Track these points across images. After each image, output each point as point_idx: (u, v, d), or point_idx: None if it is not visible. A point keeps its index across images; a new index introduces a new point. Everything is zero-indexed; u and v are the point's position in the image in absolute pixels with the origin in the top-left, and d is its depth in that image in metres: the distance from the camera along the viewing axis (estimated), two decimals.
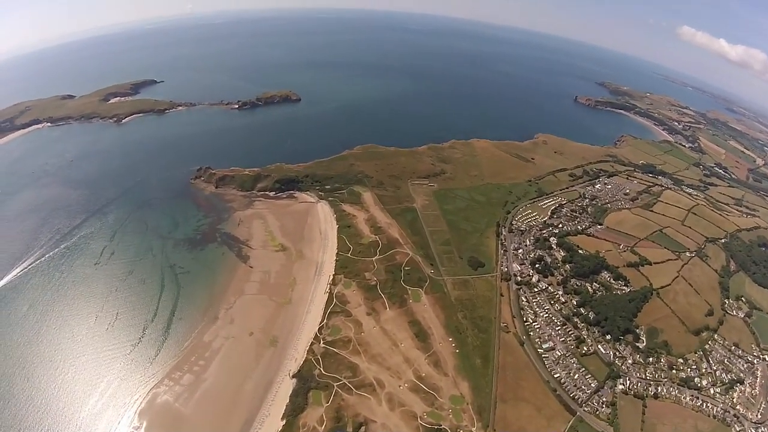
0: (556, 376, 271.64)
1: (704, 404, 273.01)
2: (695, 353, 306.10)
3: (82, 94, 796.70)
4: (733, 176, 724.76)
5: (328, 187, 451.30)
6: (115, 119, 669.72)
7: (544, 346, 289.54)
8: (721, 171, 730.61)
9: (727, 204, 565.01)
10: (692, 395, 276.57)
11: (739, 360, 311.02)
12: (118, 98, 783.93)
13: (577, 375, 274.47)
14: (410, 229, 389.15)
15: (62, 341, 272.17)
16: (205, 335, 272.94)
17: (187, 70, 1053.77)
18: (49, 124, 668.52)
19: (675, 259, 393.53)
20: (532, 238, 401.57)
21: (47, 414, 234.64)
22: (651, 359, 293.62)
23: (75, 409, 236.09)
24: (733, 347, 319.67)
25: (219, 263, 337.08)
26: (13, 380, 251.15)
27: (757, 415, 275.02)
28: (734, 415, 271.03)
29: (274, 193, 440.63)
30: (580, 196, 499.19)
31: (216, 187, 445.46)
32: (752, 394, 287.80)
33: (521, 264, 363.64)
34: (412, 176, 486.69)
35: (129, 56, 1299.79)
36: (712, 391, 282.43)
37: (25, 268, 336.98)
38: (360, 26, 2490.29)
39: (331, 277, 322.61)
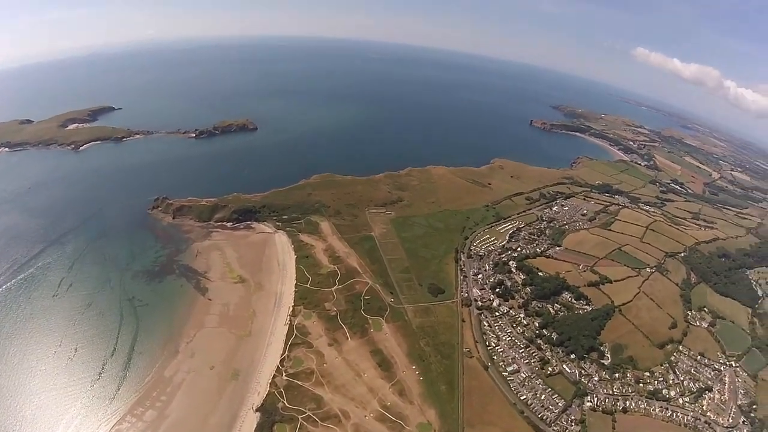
0: (522, 398, 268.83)
1: (674, 414, 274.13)
2: (661, 366, 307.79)
3: (40, 118, 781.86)
4: (690, 191, 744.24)
5: (286, 217, 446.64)
6: (73, 146, 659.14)
7: (509, 369, 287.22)
8: (677, 187, 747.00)
9: (685, 218, 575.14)
10: (661, 407, 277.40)
11: (706, 368, 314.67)
12: (77, 124, 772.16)
13: (543, 395, 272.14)
14: (369, 257, 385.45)
15: (21, 377, 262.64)
16: (166, 370, 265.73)
17: (145, 97, 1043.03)
18: (6, 149, 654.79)
19: (635, 276, 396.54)
20: (491, 262, 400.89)
21: None
22: (617, 375, 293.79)
23: None
24: (699, 357, 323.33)
25: (178, 296, 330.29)
26: None
27: (728, 420, 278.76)
28: (705, 422, 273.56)
29: (231, 223, 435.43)
30: (538, 218, 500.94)
31: (173, 218, 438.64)
32: (722, 400, 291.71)
33: (481, 289, 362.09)
34: (370, 204, 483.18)
35: (87, 81, 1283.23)
36: (681, 401, 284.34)
37: None
38: (319, 54, 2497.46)
39: (291, 308, 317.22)
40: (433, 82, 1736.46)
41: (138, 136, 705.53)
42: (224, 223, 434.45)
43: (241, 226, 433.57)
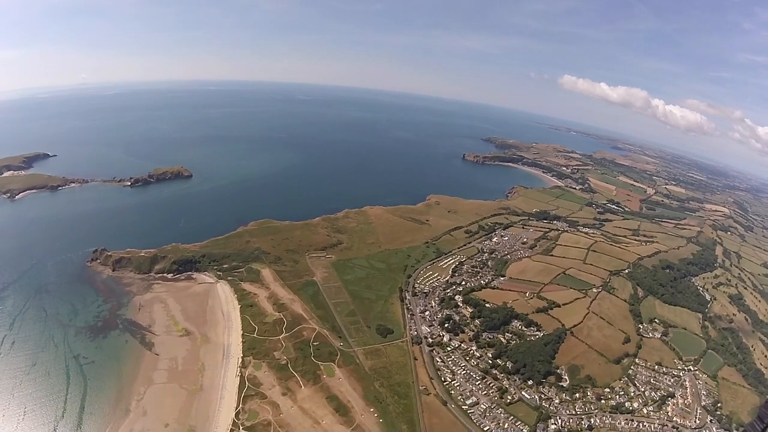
0: (486, 429, 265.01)
1: (640, 425, 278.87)
2: (620, 380, 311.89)
3: None
4: (627, 209, 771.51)
5: (226, 266, 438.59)
6: (9, 195, 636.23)
7: (468, 402, 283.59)
8: (614, 206, 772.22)
9: (625, 236, 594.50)
10: (626, 419, 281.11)
11: (665, 376, 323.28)
12: (11, 172, 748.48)
13: (507, 424, 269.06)
14: (313, 303, 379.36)
15: None
16: (119, 430, 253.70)
17: (79, 143, 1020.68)
18: None
19: (583, 297, 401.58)
20: (437, 298, 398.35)
21: None
22: (577, 395, 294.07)
23: None
24: (657, 366, 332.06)
25: (123, 351, 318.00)
26: None
27: (695, 421, 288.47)
28: (673, 428, 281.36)
29: (172, 274, 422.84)
30: (479, 251, 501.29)
31: (113, 270, 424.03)
32: (686, 404, 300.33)
33: (430, 325, 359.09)
34: (309, 249, 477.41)
35: (20, 126, 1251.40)
36: (645, 411, 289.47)
37: None
38: (248, 98, 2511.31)
39: (240, 359, 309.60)
40: (363, 122, 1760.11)
41: (74, 184, 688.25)
42: (165, 274, 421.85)
43: (182, 277, 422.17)
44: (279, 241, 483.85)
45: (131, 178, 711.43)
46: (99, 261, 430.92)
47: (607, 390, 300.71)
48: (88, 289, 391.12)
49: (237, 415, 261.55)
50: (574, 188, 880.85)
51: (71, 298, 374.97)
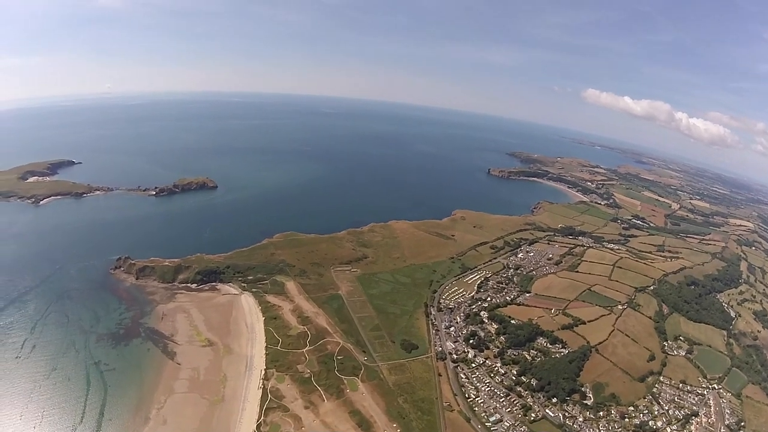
0: None
1: None
2: (644, 398, 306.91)
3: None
4: (652, 224, 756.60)
5: (251, 277, 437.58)
6: (33, 200, 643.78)
7: (491, 419, 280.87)
8: (639, 222, 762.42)
9: (650, 252, 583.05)
10: None
11: (689, 395, 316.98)
12: (36, 177, 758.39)
13: None
14: (338, 316, 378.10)
15: None
16: None
17: (103, 152, 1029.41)
18: None
19: (608, 314, 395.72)
20: (462, 314, 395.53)
21: None
22: (601, 413, 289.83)
23: None
24: (681, 384, 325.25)
25: (145, 360, 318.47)
26: None
27: None
28: None
29: (196, 285, 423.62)
30: (504, 267, 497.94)
31: (136, 278, 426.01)
32: (709, 423, 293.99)
33: (455, 341, 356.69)
34: (335, 263, 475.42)
35: (45, 133, 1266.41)
36: (668, 430, 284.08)
37: None
38: (273, 110, 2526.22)
39: (263, 371, 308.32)
40: (386, 135, 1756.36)
41: (98, 192, 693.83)
42: (188, 284, 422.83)
43: (206, 288, 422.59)
44: (304, 253, 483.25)
45: (156, 188, 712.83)
46: (122, 269, 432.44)
47: (631, 408, 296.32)
48: (111, 297, 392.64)
49: (258, 427, 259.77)
50: (599, 203, 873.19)
51: (94, 304, 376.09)
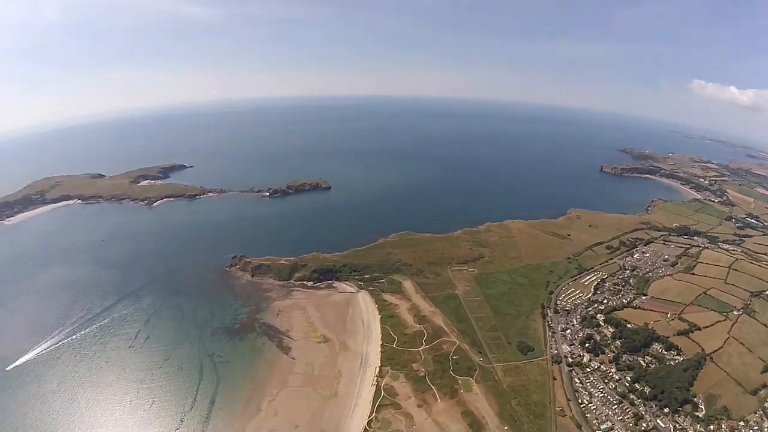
0: None
1: None
2: (755, 413, 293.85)
3: (111, 174, 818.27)
4: (766, 223, 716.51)
5: (367, 276, 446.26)
6: (146, 202, 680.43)
7: (602, 426, 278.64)
8: (753, 221, 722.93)
9: (766, 254, 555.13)
10: None
11: None
12: (148, 181, 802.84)
13: None
14: (454, 316, 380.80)
15: (93, 424, 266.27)
16: (248, 427, 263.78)
17: (214, 156, 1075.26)
18: (79, 201, 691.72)
19: (723, 320, 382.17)
20: (578, 316, 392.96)
21: None
22: (712, 426, 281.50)
23: None
24: None
25: (259, 354, 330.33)
26: None
27: None
28: None
29: (312, 282, 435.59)
30: (621, 268, 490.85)
31: (252, 276, 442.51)
32: None
33: (570, 345, 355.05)
34: (451, 262, 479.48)
35: (157, 139, 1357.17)
36: None
37: (56, 343, 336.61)
38: (381, 113, 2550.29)
39: (378, 368, 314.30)
40: (496, 135, 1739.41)
41: (211, 194, 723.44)
42: (305, 282, 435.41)
43: (322, 286, 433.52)
44: (420, 253, 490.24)
45: (269, 189, 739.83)
46: (238, 267, 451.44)
47: (741, 423, 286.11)
48: (227, 293, 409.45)
49: (369, 423, 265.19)
50: (713, 201, 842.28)
51: (209, 300, 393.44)
